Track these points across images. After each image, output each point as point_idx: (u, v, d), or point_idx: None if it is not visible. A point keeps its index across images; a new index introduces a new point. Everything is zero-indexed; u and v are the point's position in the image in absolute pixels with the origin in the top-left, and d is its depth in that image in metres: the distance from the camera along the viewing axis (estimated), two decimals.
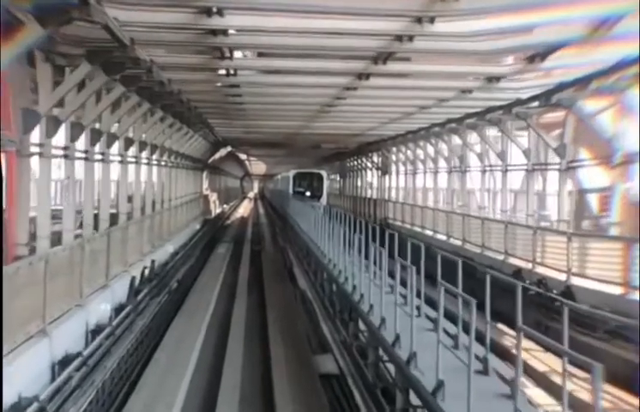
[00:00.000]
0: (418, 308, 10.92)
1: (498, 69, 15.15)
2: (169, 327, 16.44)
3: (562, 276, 15.22)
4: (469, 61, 14.76)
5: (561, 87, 15.62)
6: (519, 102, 17.72)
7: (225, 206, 65.47)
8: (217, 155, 45.88)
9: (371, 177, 44.45)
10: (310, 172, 49.66)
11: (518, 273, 17.84)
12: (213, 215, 47.81)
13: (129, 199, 20.41)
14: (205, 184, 46.67)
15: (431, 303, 11.16)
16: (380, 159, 40.79)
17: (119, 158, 17.95)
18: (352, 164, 50.56)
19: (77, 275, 11.97)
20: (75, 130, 14.35)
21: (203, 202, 41.64)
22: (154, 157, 23.53)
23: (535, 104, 17.44)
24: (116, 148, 17.92)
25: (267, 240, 41.20)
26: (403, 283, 10.94)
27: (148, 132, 21.39)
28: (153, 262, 19.30)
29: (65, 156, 14.29)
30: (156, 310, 16.54)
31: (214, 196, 51.70)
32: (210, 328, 17.22)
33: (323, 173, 49.31)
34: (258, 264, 29.92)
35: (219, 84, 17.78)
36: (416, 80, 16.54)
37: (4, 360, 8.07)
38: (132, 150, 19.70)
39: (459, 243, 23.43)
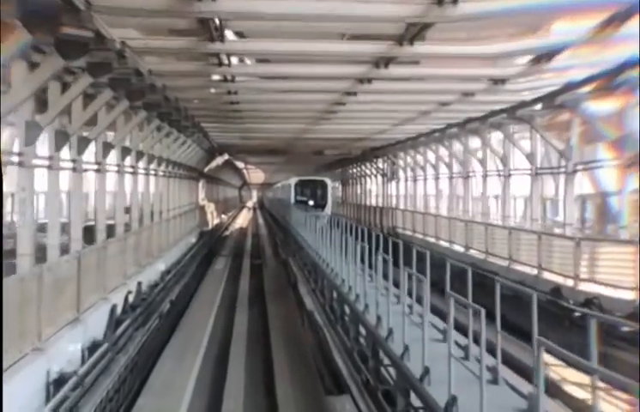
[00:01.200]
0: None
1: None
2: (155, 366, 13.99)
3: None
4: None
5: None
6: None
7: (223, 217, 62.98)
8: (213, 164, 43.45)
9: (376, 184, 42.04)
10: (313, 179, 46.10)
11: (557, 292, 15.49)
12: (210, 226, 45.30)
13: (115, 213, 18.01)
14: (201, 195, 44.16)
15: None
16: (386, 164, 38.44)
17: (96, 166, 15.44)
18: (355, 171, 48.17)
19: (34, 311, 9.53)
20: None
21: (199, 213, 39.11)
22: (141, 165, 21.12)
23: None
24: (92, 154, 15.53)
25: (267, 254, 38.73)
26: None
27: (133, 137, 18.99)
28: (139, 284, 16.87)
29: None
30: (141, 344, 14.06)
31: (211, 207, 49.14)
32: (205, 365, 14.78)
33: (327, 181, 45.82)
34: (259, 282, 27.49)
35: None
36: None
37: None
38: (112, 157, 17.26)
39: (480, 255, 21.04)
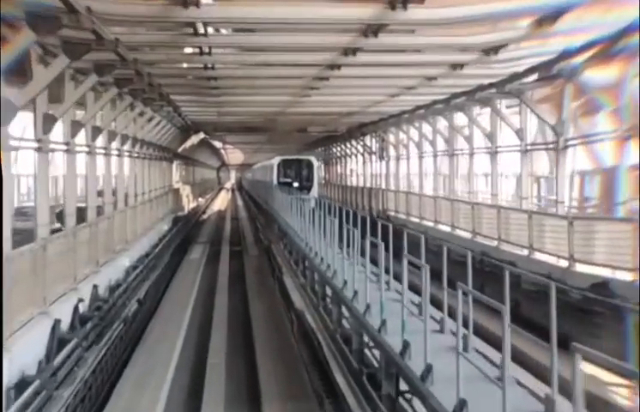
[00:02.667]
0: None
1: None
2: (109, 399, 11.05)
3: None
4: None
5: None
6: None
7: (200, 200, 59.80)
8: (188, 143, 40.22)
9: (364, 163, 39.18)
10: (298, 158, 42.32)
11: (602, 287, 12.90)
12: (186, 211, 42.14)
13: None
14: (176, 177, 40.92)
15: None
16: (376, 142, 35.60)
17: (36, 144, 12.28)
18: (339, 149, 45.24)
19: None
20: None
21: (173, 197, 35.91)
22: (100, 143, 18.01)
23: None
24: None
25: (248, 240, 35.79)
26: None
27: (87, 109, 15.88)
28: (95, 289, 13.90)
29: None
30: (92, 369, 11.11)
31: (186, 190, 45.91)
32: (174, 389, 11.89)
33: (314, 160, 42.16)
34: (240, 275, 24.58)
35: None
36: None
37: None
38: (58, 132, 14.12)
39: (491, 243, 18.42)
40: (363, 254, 12.20)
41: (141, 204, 23.00)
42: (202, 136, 39.97)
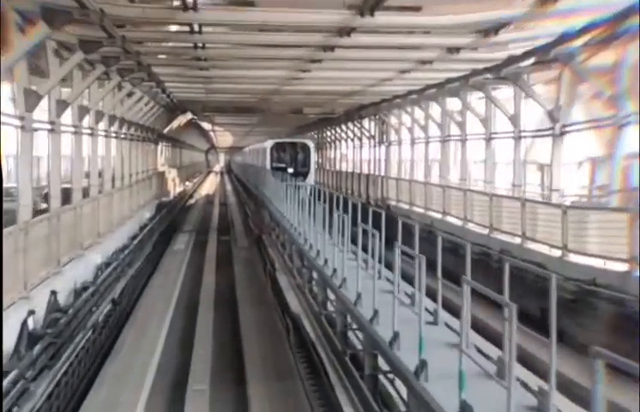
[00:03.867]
0: None
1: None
2: None
3: None
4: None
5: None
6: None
7: (187, 183, 57.23)
8: (175, 124, 37.63)
9: (360, 148, 36.80)
10: (293, 141, 38.87)
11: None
12: (171, 196, 39.61)
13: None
14: (161, 160, 38.32)
15: None
16: (376, 125, 33.26)
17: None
18: (333, 132, 42.84)
19: None
20: None
21: (157, 181, 33.36)
22: (66, 120, 15.55)
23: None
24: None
25: (237, 228, 33.40)
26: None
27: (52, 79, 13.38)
28: (53, 295, 11.51)
29: None
30: (40, 403, 8.73)
31: (172, 174, 43.32)
32: None
33: (310, 144, 38.70)
34: (228, 268, 22.22)
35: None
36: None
37: None
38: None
39: (513, 240, 16.28)
40: (379, 260, 10.09)
41: (119, 190, 20.49)
42: (189, 116, 37.41)
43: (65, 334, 11.10)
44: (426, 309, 7.91)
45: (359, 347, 10.31)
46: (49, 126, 13.99)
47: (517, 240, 15.80)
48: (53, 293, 11.50)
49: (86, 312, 12.86)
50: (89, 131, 18.06)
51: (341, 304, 11.21)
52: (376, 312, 8.87)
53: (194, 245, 26.84)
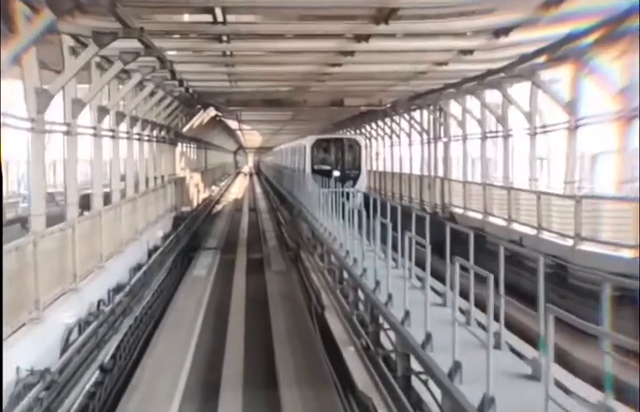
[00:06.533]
0: None
1: None
2: None
3: None
4: None
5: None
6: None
7: (213, 188, 52.58)
8: (197, 122, 32.83)
9: (410, 145, 31.56)
10: (339, 137, 32.06)
11: None
12: (194, 205, 34.85)
13: None
14: (181, 163, 33.52)
15: None
16: (431, 117, 28.05)
17: None
18: (374, 127, 37.67)
19: None
20: None
21: (177, 189, 28.53)
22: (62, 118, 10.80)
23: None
24: None
25: (270, 242, 28.44)
26: None
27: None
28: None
29: None
30: None
31: (195, 178, 38.52)
32: None
33: (361, 141, 31.74)
34: (262, 308, 17.19)
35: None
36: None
37: None
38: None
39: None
40: None
41: (114, 208, 15.50)
42: (212, 113, 32.55)
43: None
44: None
45: None
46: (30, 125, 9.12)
47: None
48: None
49: (64, 389, 7.95)
50: (93, 132, 13.30)
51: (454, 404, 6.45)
52: None
53: (217, 272, 21.86)
